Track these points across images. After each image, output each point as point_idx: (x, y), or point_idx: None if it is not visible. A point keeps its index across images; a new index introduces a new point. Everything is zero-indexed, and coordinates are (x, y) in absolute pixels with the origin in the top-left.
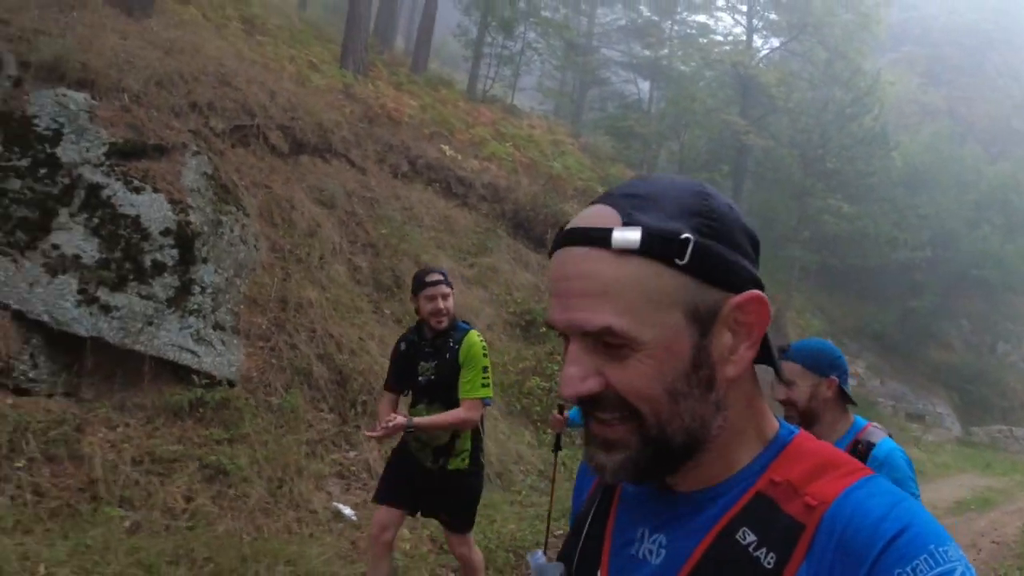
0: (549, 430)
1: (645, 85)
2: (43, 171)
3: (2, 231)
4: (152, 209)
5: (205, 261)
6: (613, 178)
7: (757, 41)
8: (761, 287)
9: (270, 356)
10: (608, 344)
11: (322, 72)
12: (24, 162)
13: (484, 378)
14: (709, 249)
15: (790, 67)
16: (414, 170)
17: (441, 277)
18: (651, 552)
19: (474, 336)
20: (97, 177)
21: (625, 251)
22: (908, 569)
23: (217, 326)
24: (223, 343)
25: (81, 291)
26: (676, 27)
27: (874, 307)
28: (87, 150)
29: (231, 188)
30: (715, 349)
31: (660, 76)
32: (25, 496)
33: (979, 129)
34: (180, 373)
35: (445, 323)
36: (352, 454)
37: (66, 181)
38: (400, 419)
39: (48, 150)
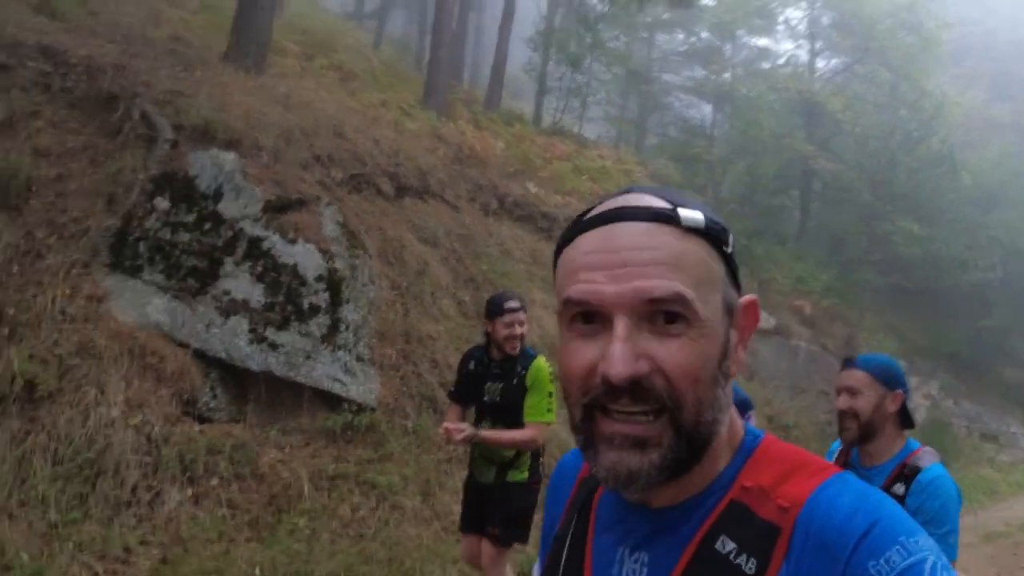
0: None
1: (707, 108)
2: (208, 225)
3: (176, 279)
4: (307, 258)
5: (347, 301)
6: None
7: (819, 63)
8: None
9: (400, 384)
10: (657, 323)
11: (411, 116)
12: (190, 218)
13: (549, 403)
14: (735, 248)
15: (853, 88)
16: (502, 207)
17: (519, 305)
18: (634, 572)
19: (542, 362)
20: (256, 231)
21: (691, 229)
22: (881, 561)
23: (359, 358)
24: (364, 373)
25: (251, 331)
26: (736, 51)
27: (946, 327)
28: (245, 206)
29: (357, 233)
30: (732, 344)
31: (723, 100)
32: (223, 510)
33: None
34: (332, 401)
35: (518, 349)
36: None
37: (229, 234)
38: (469, 430)
39: (211, 207)
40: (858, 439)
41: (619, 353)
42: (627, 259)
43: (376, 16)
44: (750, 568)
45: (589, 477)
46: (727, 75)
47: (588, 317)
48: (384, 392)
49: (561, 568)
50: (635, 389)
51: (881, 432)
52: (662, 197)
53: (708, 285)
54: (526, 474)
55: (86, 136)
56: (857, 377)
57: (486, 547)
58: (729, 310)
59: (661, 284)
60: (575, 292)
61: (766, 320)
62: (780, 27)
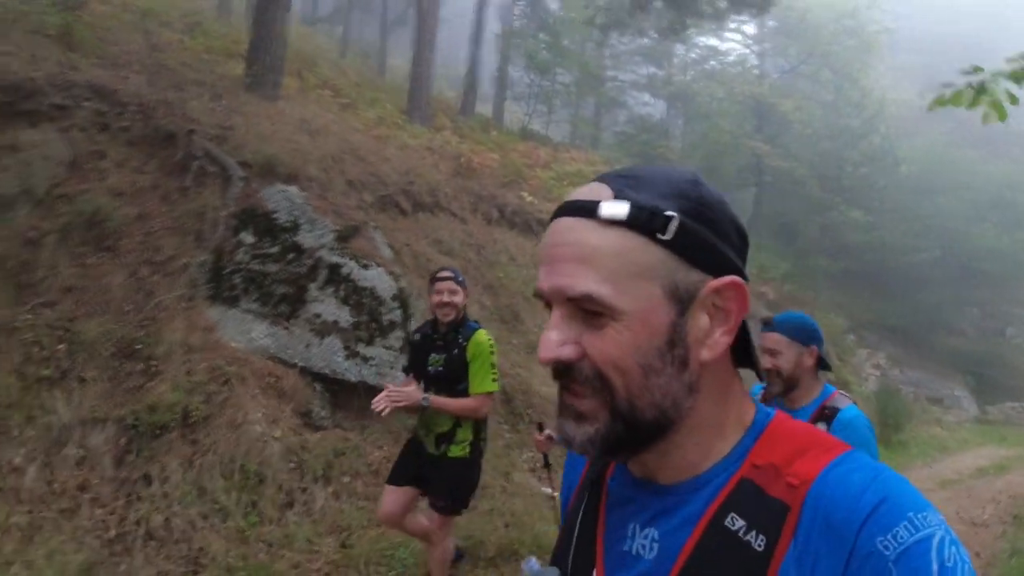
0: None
1: (661, 105)
2: (291, 256)
3: (269, 306)
4: (380, 281)
5: (412, 316)
6: None
7: (763, 62)
8: (744, 277)
9: None
10: (588, 312)
11: (405, 130)
12: (275, 249)
13: (493, 374)
14: (693, 230)
15: (800, 88)
16: (503, 216)
17: (451, 275)
18: (644, 547)
19: (482, 334)
20: (333, 258)
21: (611, 222)
22: (889, 536)
23: None
24: None
25: (345, 347)
26: (687, 50)
27: (890, 304)
28: (320, 236)
29: (398, 251)
30: (691, 330)
31: (675, 97)
32: (361, 502)
33: (976, 132)
34: None
35: (451, 316)
36: (528, 454)
37: (310, 263)
38: (418, 393)
39: (291, 239)
40: (783, 392)
41: (544, 340)
42: (553, 255)
43: (332, 20)
44: (759, 545)
45: None
46: (682, 77)
47: (548, 304)
48: None
49: (574, 542)
50: (568, 372)
51: (802, 382)
52: (613, 185)
53: (631, 277)
54: (467, 451)
55: (150, 174)
56: (775, 339)
57: (434, 516)
58: (683, 296)
59: (570, 283)
60: (537, 286)
61: None
62: (731, 29)
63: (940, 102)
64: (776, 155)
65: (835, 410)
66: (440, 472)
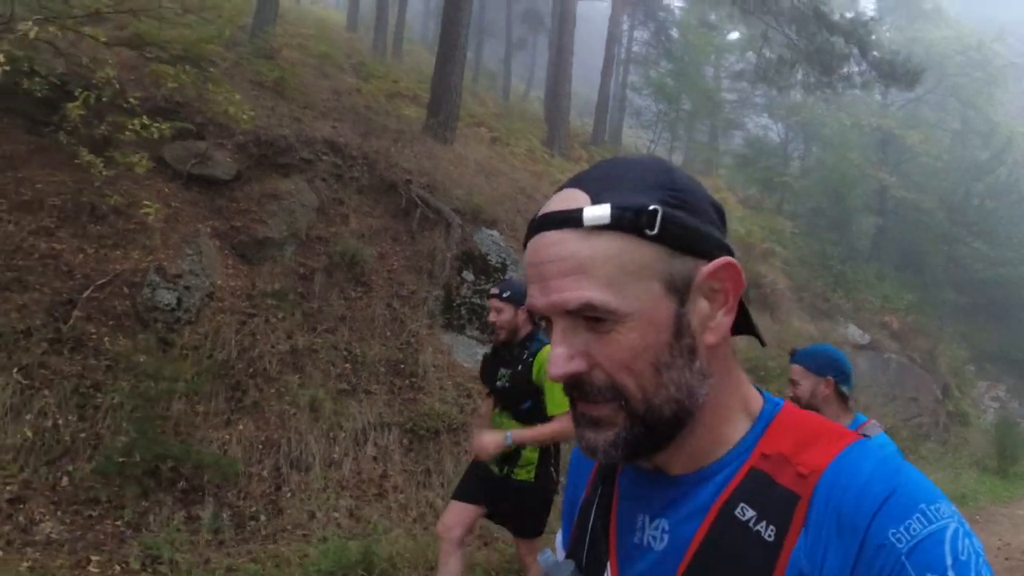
0: None
1: (778, 127)
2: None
3: (487, 333)
4: None
5: None
6: (780, 234)
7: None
8: (731, 253)
9: None
10: (591, 321)
11: (552, 164)
12: (488, 285)
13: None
14: (677, 219)
15: (924, 116)
16: None
17: (496, 291)
18: (655, 538)
19: (548, 351)
20: None
21: (596, 227)
22: (901, 528)
23: None
24: None
25: None
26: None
27: (1013, 337)
28: (523, 276)
29: None
30: (694, 317)
31: (798, 122)
32: None
33: None
34: None
35: (502, 336)
36: None
37: None
38: (499, 436)
39: (501, 277)
40: None
41: (553, 357)
42: (544, 272)
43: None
44: (769, 535)
45: None
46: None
47: (548, 320)
48: None
49: (588, 534)
50: (580, 383)
51: (824, 411)
52: (587, 188)
53: (628, 278)
54: (533, 476)
55: (380, 218)
56: (794, 370)
57: (519, 541)
58: (680, 285)
59: (570, 296)
60: (528, 304)
61: (861, 336)
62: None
63: None
64: (901, 186)
65: (867, 438)
66: (506, 497)
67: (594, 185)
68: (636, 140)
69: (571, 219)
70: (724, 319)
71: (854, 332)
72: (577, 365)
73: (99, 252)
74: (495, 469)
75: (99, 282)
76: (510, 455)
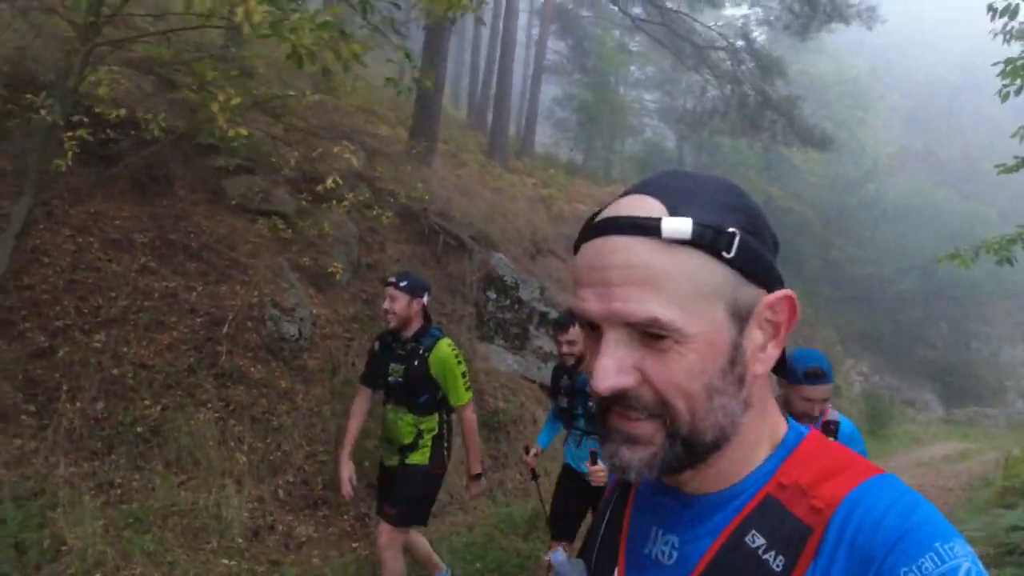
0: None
1: (671, 133)
2: (516, 306)
3: (509, 341)
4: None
5: None
6: None
7: None
8: (784, 286)
9: None
10: (649, 336)
11: (504, 179)
12: (507, 303)
13: (465, 383)
14: (751, 245)
15: None
16: None
17: (393, 280)
18: (664, 553)
19: (444, 346)
20: (542, 307)
21: (675, 241)
22: (914, 567)
23: None
24: None
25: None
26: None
27: (875, 320)
28: (530, 291)
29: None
30: (748, 346)
31: (687, 127)
32: None
33: (953, 170)
34: None
35: (392, 323)
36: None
37: (527, 312)
38: (473, 485)
39: (516, 295)
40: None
41: (600, 369)
42: (608, 278)
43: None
44: (777, 565)
45: None
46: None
47: (593, 325)
48: None
49: (599, 539)
50: (625, 398)
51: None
52: (662, 198)
53: (699, 298)
54: (427, 458)
55: (404, 244)
56: None
57: (382, 526)
58: (743, 313)
59: (636, 309)
60: (575, 308)
61: None
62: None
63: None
64: (784, 197)
65: (836, 423)
66: (397, 481)
67: (669, 197)
68: (553, 147)
69: (647, 227)
70: (773, 351)
71: None
72: (626, 380)
73: (206, 288)
74: (394, 460)
75: (228, 318)
76: (410, 445)
